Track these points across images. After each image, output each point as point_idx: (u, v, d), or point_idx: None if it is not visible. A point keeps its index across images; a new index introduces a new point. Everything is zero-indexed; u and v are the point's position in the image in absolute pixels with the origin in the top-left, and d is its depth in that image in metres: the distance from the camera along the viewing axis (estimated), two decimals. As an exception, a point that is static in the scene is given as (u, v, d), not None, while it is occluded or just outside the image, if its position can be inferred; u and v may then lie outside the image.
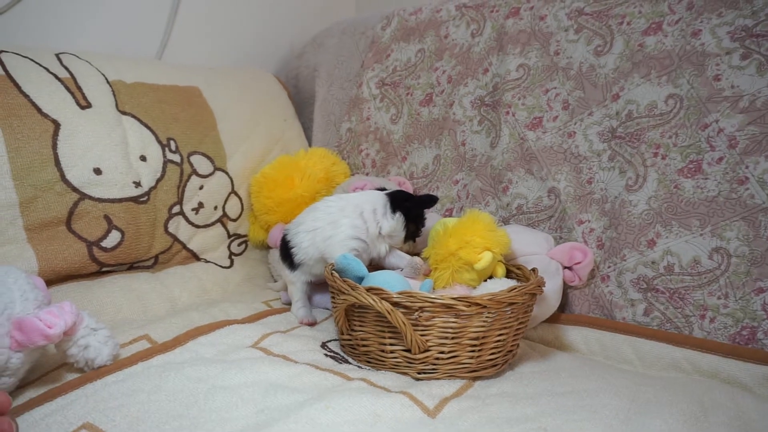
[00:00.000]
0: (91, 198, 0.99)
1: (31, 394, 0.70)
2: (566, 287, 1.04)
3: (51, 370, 0.76)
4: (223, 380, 0.73)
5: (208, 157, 1.22)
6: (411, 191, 1.32)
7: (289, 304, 1.05)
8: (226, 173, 1.26)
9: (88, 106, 1.03)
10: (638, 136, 1.02)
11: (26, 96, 0.95)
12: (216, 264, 1.22)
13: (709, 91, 0.95)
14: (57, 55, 1.05)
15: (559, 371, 0.85)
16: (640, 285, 0.97)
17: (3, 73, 0.94)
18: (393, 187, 1.28)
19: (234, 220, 1.28)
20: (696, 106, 0.96)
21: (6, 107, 0.91)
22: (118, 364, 0.76)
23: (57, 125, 0.97)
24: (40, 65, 1.00)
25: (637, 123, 1.02)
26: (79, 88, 1.03)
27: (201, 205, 1.19)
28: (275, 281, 1.26)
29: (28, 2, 1.12)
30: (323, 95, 1.54)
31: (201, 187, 1.19)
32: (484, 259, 0.88)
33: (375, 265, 1.00)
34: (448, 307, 0.75)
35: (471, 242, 0.89)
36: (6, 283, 0.69)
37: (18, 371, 0.68)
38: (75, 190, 0.97)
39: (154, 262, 1.12)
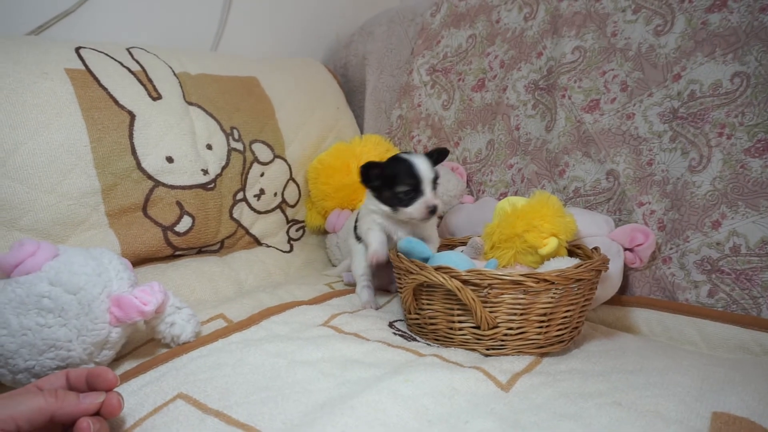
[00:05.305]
0: (164, 185, 1.04)
1: (125, 366, 0.76)
2: (626, 269, 1.04)
3: (140, 345, 0.81)
4: (302, 355, 0.76)
5: (268, 145, 1.26)
6: (464, 176, 1.34)
7: (352, 285, 1.08)
8: (285, 160, 1.29)
9: (159, 97, 1.08)
10: (702, 116, 1.00)
11: (104, 89, 1.00)
12: (277, 248, 1.26)
13: (778, 69, 0.94)
14: (128, 50, 1.10)
15: (625, 350, 0.85)
16: (704, 266, 0.97)
17: (83, 67, 0.99)
18: (444, 173, 1.30)
19: (292, 206, 1.32)
20: (765, 83, 0.94)
21: (88, 100, 0.97)
22: (200, 341, 0.80)
23: (132, 116, 1.02)
24: (115, 59, 1.05)
25: (700, 103, 1.01)
26: (150, 81, 1.08)
27: (262, 191, 1.24)
28: (334, 266, 1.30)
29: (93, 1, 1.17)
30: (374, 83, 1.56)
31: (262, 174, 1.24)
32: (550, 245, 0.88)
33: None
34: (517, 283, 0.77)
35: (538, 227, 0.88)
36: (102, 264, 0.74)
37: (116, 345, 0.73)
38: (150, 177, 1.02)
39: (220, 247, 1.17)
